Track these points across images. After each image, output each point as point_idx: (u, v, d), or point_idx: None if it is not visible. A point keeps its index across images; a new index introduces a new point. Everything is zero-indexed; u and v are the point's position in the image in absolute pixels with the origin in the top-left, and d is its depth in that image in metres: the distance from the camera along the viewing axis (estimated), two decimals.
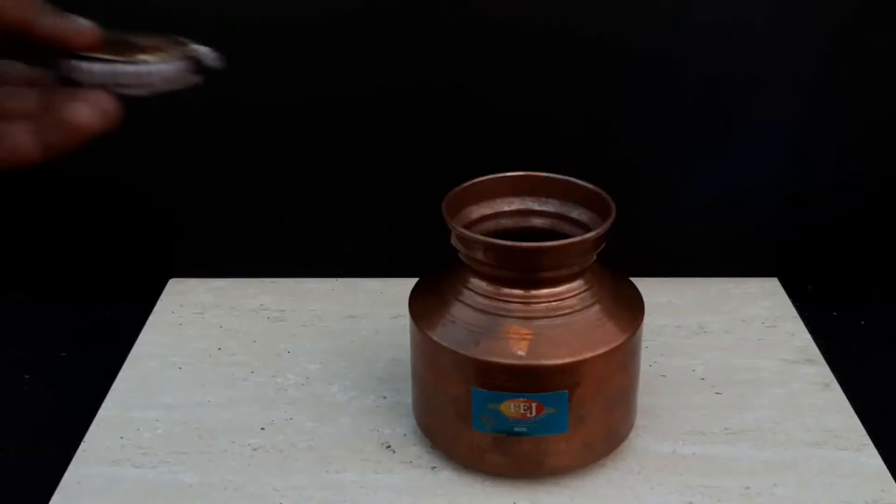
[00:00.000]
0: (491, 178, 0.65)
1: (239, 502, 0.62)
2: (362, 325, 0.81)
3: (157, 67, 0.37)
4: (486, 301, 0.60)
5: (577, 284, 0.61)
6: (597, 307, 0.61)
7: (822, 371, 0.74)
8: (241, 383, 0.74)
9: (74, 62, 0.36)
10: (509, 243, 0.57)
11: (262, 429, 0.69)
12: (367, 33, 0.79)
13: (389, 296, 0.85)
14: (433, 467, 0.65)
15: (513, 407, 0.59)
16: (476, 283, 0.61)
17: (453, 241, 0.61)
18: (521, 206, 0.66)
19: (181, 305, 0.84)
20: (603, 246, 0.60)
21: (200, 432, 0.68)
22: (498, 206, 0.66)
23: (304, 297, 0.85)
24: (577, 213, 0.65)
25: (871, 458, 0.65)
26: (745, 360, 0.76)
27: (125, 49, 0.37)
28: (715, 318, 0.81)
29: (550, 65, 0.80)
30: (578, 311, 0.60)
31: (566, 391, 0.58)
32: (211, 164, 0.84)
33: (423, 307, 0.63)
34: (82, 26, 0.36)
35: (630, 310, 0.62)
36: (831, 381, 0.73)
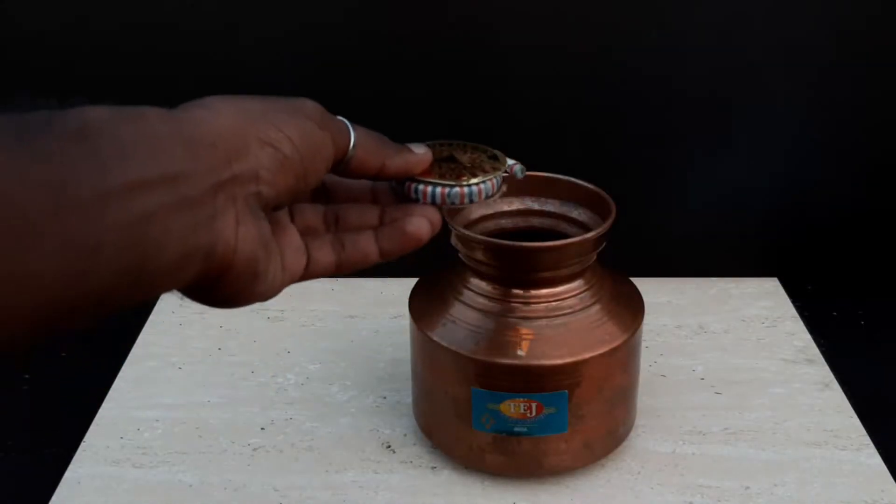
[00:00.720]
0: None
1: (239, 502, 0.62)
2: (362, 325, 0.81)
3: (480, 187, 0.46)
4: (486, 301, 0.60)
5: (577, 284, 0.61)
6: (597, 307, 0.61)
7: (822, 371, 0.74)
8: (241, 383, 0.74)
9: (415, 185, 0.44)
10: (509, 243, 0.57)
11: (262, 429, 0.69)
12: (367, 35, 0.79)
13: (389, 296, 0.85)
14: (433, 467, 0.65)
15: (513, 407, 0.59)
16: (476, 283, 0.61)
17: (453, 240, 0.61)
18: (521, 206, 0.66)
19: (181, 305, 0.84)
20: (603, 246, 0.60)
21: (200, 432, 0.68)
22: (498, 205, 0.66)
23: (304, 297, 0.85)
24: (577, 213, 0.64)
25: (871, 458, 0.65)
26: (745, 360, 0.76)
27: (452, 171, 0.46)
28: (715, 318, 0.81)
29: (551, 64, 0.80)
30: (578, 311, 0.60)
31: (566, 391, 0.58)
32: None
33: (423, 307, 0.63)
34: (421, 156, 0.44)
35: (630, 310, 0.62)
36: (831, 381, 0.73)
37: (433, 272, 0.66)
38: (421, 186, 0.44)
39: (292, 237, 0.41)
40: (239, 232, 0.35)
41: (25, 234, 0.28)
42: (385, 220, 0.44)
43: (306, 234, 0.42)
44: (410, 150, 0.44)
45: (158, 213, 0.31)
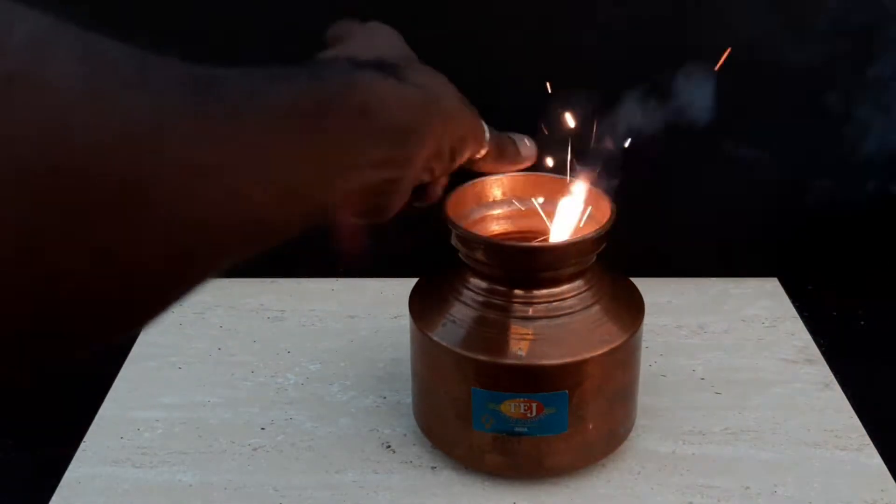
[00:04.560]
0: (492, 178, 0.65)
1: (239, 502, 0.62)
2: (362, 325, 0.81)
3: None
4: (487, 301, 0.60)
5: (577, 284, 0.61)
6: (597, 307, 0.61)
7: (822, 371, 0.74)
8: (241, 383, 0.74)
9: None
10: (509, 243, 0.58)
11: (262, 429, 0.69)
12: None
13: (389, 296, 0.85)
14: (433, 467, 0.65)
15: (513, 407, 0.59)
16: (476, 283, 0.61)
17: (453, 241, 0.61)
18: (521, 207, 0.66)
19: (181, 305, 0.84)
20: (603, 246, 0.60)
21: (200, 432, 0.68)
22: (498, 206, 0.66)
23: (304, 297, 0.85)
24: None
25: (871, 458, 0.65)
26: (745, 360, 0.76)
27: None
28: (715, 318, 0.81)
29: (552, 63, 0.80)
30: (578, 311, 0.60)
31: (566, 391, 0.58)
32: None
33: (423, 307, 0.63)
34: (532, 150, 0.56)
35: (630, 310, 0.62)
36: (831, 381, 0.73)
37: (433, 272, 0.66)
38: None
39: None
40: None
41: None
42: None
43: None
44: (524, 147, 0.55)
45: None
